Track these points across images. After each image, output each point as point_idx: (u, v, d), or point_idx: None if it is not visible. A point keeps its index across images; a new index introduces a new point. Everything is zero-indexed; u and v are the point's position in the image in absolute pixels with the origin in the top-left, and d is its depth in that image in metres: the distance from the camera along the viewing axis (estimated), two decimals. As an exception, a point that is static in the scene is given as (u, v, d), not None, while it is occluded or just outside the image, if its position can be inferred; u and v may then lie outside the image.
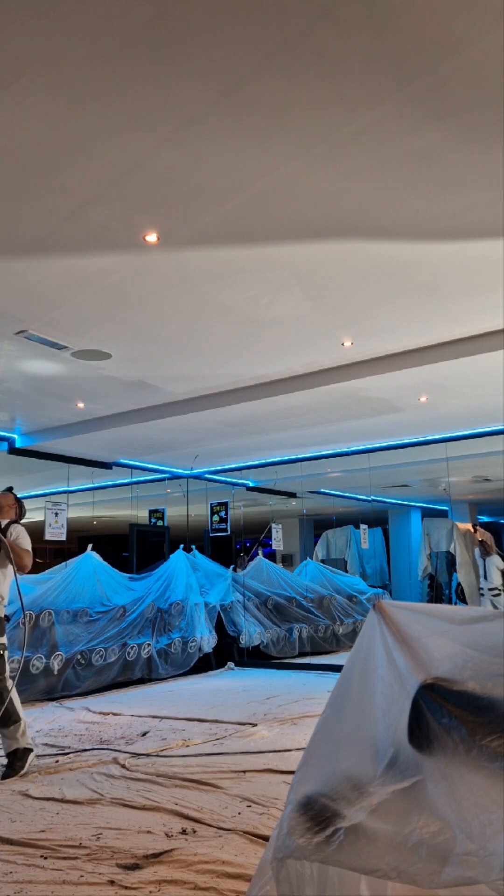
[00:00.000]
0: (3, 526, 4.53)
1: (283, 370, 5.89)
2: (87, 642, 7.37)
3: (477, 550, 9.17)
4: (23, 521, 4.82)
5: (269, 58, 2.43)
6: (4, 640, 4.46)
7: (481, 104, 2.65)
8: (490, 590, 8.96)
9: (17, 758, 4.28)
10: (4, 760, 4.36)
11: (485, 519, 11.57)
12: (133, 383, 6.12)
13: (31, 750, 4.35)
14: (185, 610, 8.34)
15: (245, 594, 9.39)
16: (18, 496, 4.89)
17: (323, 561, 11.61)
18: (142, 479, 10.12)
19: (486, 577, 9.01)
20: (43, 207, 3.34)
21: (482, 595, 9.03)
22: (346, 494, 11.57)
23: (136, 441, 8.00)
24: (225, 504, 9.86)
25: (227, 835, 3.14)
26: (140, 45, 2.37)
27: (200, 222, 3.49)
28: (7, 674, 4.41)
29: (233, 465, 9.71)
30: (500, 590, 8.93)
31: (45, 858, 2.94)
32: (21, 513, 4.82)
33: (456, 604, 9.38)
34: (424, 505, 11.67)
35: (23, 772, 4.18)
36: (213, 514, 9.88)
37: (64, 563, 8.81)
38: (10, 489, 4.91)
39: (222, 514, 9.85)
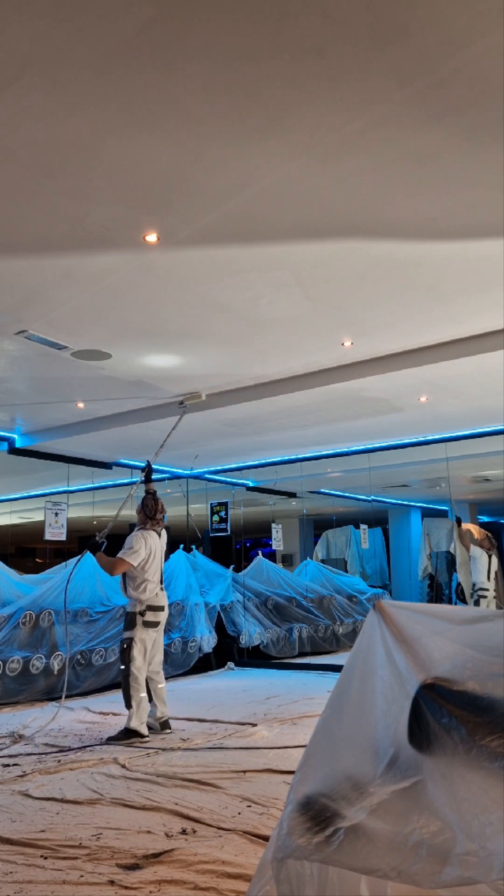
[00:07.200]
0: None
1: (283, 370, 5.89)
2: (87, 642, 7.36)
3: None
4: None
5: (268, 58, 2.43)
6: (131, 633, 5.19)
7: (481, 104, 2.65)
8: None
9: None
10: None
11: (485, 519, 11.56)
12: (133, 383, 6.12)
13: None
14: (185, 610, 8.34)
15: (245, 594, 9.39)
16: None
17: (323, 561, 11.61)
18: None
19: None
20: (43, 207, 3.33)
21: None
22: (346, 494, 11.57)
23: (136, 441, 8.00)
24: (225, 504, 9.85)
25: (227, 835, 3.14)
26: (140, 45, 2.37)
27: (200, 222, 3.49)
28: (130, 663, 5.09)
29: (233, 465, 9.71)
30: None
31: (45, 858, 2.94)
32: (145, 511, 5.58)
33: (456, 604, 9.37)
34: (424, 505, 11.67)
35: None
36: (213, 514, 9.87)
37: (64, 563, 8.81)
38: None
39: (222, 514, 9.84)
